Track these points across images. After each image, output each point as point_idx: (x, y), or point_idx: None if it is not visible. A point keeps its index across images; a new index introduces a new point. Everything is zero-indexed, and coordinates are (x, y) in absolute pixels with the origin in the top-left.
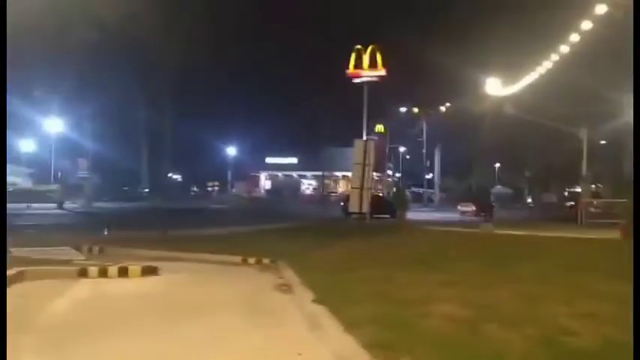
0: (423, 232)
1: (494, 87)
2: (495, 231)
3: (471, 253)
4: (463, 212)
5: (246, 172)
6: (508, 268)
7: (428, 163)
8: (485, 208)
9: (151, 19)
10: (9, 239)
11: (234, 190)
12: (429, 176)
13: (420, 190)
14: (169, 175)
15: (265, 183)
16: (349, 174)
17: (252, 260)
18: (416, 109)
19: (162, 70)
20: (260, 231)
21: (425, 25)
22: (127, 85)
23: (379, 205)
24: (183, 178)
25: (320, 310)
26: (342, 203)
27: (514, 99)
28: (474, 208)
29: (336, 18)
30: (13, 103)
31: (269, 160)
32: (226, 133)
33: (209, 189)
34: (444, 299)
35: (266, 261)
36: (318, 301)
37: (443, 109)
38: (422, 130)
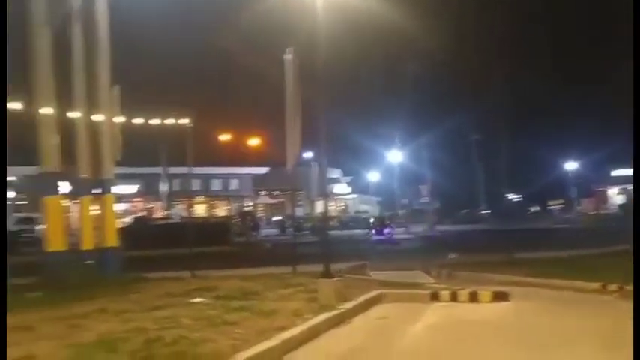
0: None
1: None
2: None
3: None
4: None
5: (590, 188)
6: None
7: None
8: None
9: (472, 44)
10: (369, 263)
11: (579, 208)
12: None
13: None
14: (507, 195)
15: (616, 198)
16: None
17: (613, 287)
18: None
19: (492, 93)
20: (616, 252)
21: None
22: (458, 112)
23: None
24: (522, 197)
25: None
26: None
27: None
28: None
29: None
30: (363, 142)
31: (615, 173)
32: (565, 148)
33: (549, 208)
34: None
35: (629, 288)
36: None
37: None
38: None
